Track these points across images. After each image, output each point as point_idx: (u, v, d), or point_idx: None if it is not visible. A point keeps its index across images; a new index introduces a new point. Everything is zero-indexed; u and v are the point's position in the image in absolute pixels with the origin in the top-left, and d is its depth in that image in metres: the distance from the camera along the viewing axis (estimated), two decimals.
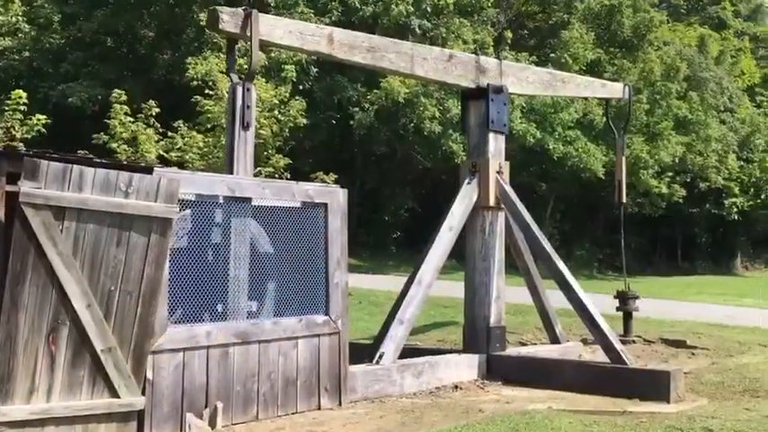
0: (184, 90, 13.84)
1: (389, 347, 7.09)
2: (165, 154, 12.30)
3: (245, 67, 12.24)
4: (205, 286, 5.46)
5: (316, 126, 19.28)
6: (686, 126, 29.85)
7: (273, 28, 6.03)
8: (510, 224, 8.46)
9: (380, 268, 23.19)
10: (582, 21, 25.65)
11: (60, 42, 21.52)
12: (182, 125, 12.80)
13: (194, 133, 12.29)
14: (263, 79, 13.89)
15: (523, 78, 9.01)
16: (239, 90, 5.82)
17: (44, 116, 11.67)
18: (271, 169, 13.24)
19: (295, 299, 6.12)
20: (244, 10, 5.78)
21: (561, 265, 7.76)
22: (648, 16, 26.28)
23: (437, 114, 19.00)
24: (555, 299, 16.41)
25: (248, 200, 5.81)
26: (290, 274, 6.12)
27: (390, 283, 16.42)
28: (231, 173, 5.87)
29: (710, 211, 38.67)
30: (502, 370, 7.92)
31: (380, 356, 7.03)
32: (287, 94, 13.64)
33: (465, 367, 7.80)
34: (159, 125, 12.50)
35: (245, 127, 5.81)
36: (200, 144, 12.17)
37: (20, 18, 21.20)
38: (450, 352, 8.30)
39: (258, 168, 13.10)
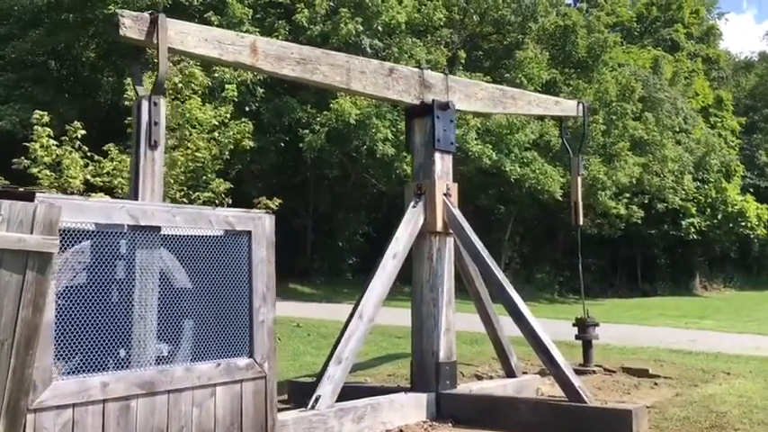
0: (128, 113, 13.09)
1: (326, 390, 6.45)
2: (92, 179, 11.51)
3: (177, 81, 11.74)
4: (104, 329, 4.75)
5: (264, 149, 18.65)
6: (642, 147, 30.03)
7: (186, 35, 5.42)
8: (460, 250, 7.93)
9: (334, 296, 22.51)
10: (536, 41, 25.63)
11: None
12: (112, 148, 12.04)
13: (124, 157, 11.53)
14: (201, 100, 13.22)
15: (472, 94, 8.55)
16: (145, 104, 5.18)
17: None
18: (210, 194, 12.53)
19: (213, 340, 5.44)
20: (150, 14, 5.17)
21: (513, 293, 7.24)
22: (603, 37, 26.40)
23: (390, 136, 18.54)
24: (510, 327, 16.01)
25: (156, 229, 5.14)
26: (208, 312, 5.44)
27: (343, 312, 15.78)
28: (136, 198, 5.20)
29: (669, 232, 39.00)
30: (452, 410, 7.34)
31: (316, 400, 6.39)
32: (227, 115, 12.99)
33: (412, 408, 7.19)
34: (87, 149, 11.71)
35: (153, 146, 5.17)
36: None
37: None
38: (398, 390, 7.69)
39: (196, 194, 12.41)
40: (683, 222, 37.82)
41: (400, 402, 7.09)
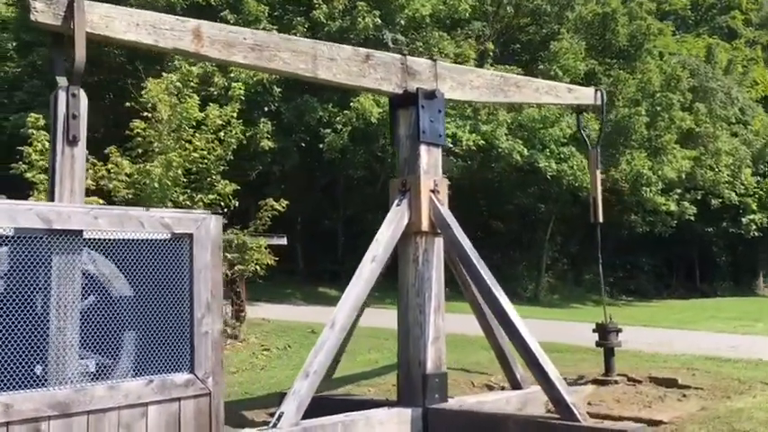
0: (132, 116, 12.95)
1: (290, 407, 5.96)
2: (93, 183, 11.31)
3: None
4: (14, 344, 4.37)
5: (286, 150, 18.33)
6: (694, 139, 28.68)
7: (112, 20, 5.01)
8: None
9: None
10: (574, 31, 24.64)
11: (17, 71, 20.79)
12: (113, 151, 11.83)
13: (119, 159, 11.30)
14: (216, 101, 12.99)
15: (465, 82, 7.95)
16: (62, 96, 4.78)
17: None
18: (215, 196, 12.21)
19: (147, 354, 5.01)
20: None
21: (502, 298, 6.62)
22: (645, 24, 25.22)
23: None
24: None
25: (77, 233, 4.74)
26: (141, 323, 5.01)
27: (371, 316, 15.33)
28: (53, 198, 4.80)
29: (728, 230, 37.21)
30: (440, 427, 6.77)
31: (278, 418, 5.90)
32: (233, 114, 12.65)
33: (393, 425, 6.64)
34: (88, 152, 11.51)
35: (72, 141, 4.77)
36: (128, 170, 11.17)
37: None
38: (384, 404, 7.13)
39: (199, 196, 12.11)
40: (744, 219, 36.00)
41: (379, 419, 6.55)
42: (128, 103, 12.57)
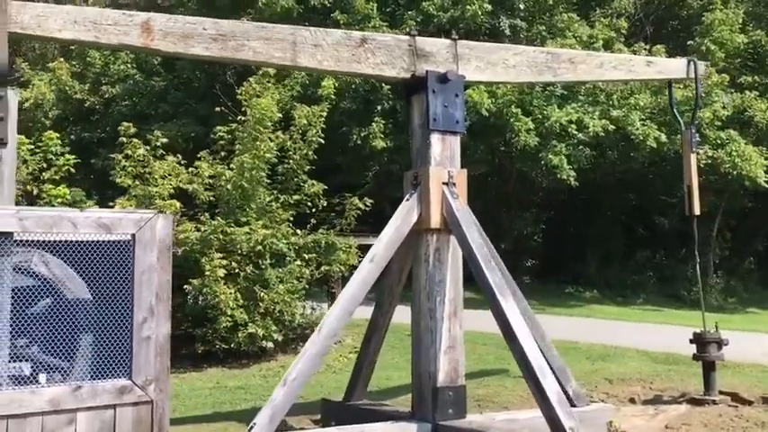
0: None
1: (263, 417, 5.67)
2: (184, 186, 11.77)
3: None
4: None
5: (402, 148, 18.03)
6: None
7: (45, 18, 5.01)
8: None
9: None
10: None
11: (162, 84, 22.35)
12: (205, 156, 12.24)
13: (200, 163, 11.65)
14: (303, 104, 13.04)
15: (497, 61, 7.20)
16: None
17: (73, 156, 11.64)
18: (300, 197, 12.22)
19: (81, 359, 4.94)
20: None
21: (508, 304, 5.85)
22: None
23: (531, 125, 16.92)
24: (598, 333, 13.90)
25: (8, 235, 4.78)
26: (77, 326, 4.96)
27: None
28: None
29: None
30: None
31: (250, 429, 5.62)
32: (323, 114, 12.60)
33: None
34: (180, 158, 12.01)
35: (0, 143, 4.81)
36: (207, 173, 11.48)
37: (128, 65, 22.35)
38: (396, 417, 6.62)
39: (284, 197, 12.16)
40: None
41: None
42: (217, 108, 12.97)
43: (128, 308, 5.08)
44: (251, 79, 12.28)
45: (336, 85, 16.19)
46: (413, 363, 6.70)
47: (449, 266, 6.59)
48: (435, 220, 6.51)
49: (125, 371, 5.03)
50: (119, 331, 5.04)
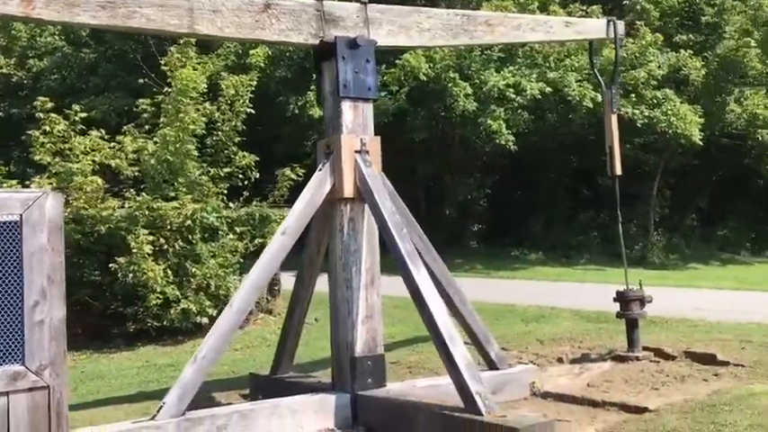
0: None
1: (172, 396, 5.56)
2: (108, 162, 11.42)
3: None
4: None
5: None
6: None
7: None
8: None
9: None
10: None
11: (92, 57, 21.64)
12: (131, 129, 11.89)
13: (122, 137, 11.32)
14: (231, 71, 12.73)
15: (410, 25, 7.07)
16: None
17: None
18: (231, 169, 11.99)
19: None
20: None
21: (419, 273, 5.82)
22: None
23: (469, 90, 16.83)
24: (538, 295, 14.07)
25: None
26: None
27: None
28: None
29: None
30: (367, 415, 6.13)
31: (159, 409, 5.50)
32: (252, 83, 12.31)
33: (311, 414, 6.08)
34: (104, 133, 11.63)
35: None
36: (130, 148, 11.17)
37: (56, 37, 21.55)
38: (318, 389, 6.56)
39: (214, 170, 11.94)
40: None
41: (291, 407, 6.00)
42: (141, 80, 12.60)
43: (18, 291, 4.88)
44: (172, 49, 11.91)
45: (270, 53, 15.84)
46: (331, 334, 6.66)
47: (364, 236, 6.51)
48: (348, 190, 6.41)
49: (17, 356, 4.84)
50: (9, 316, 4.84)
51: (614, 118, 8.89)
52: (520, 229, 24.25)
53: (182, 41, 12.01)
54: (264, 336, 11.71)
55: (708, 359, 8.34)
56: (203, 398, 7.41)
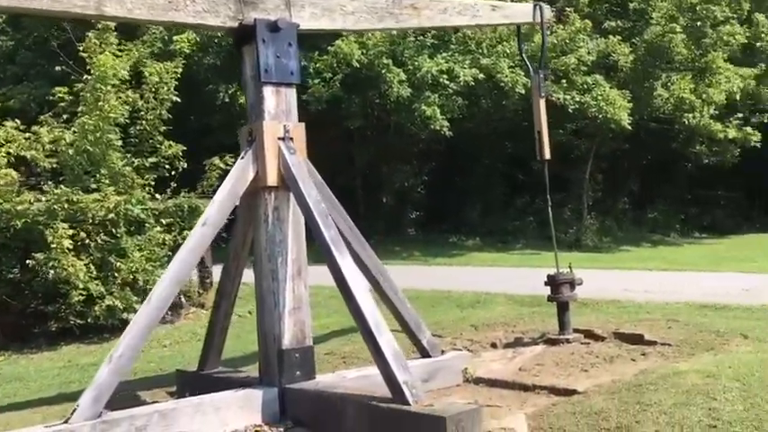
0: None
1: (86, 398, 5.30)
2: (23, 154, 10.91)
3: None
4: None
5: None
6: (755, 55, 26.16)
7: None
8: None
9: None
10: None
11: (10, 44, 20.72)
12: (48, 119, 11.37)
13: (38, 128, 10.83)
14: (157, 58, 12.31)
15: (334, 7, 6.90)
16: None
17: None
18: (157, 159, 11.62)
19: None
20: None
21: (345, 262, 5.70)
22: None
23: (403, 76, 16.77)
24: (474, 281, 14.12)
25: None
26: None
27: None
28: None
29: None
30: (296, 409, 5.99)
31: (73, 412, 5.24)
32: (177, 70, 11.93)
33: (236, 410, 5.89)
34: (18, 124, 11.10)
35: None
36: (46, 139, 10.70)
37: None
38: (246, 384, 6.38)
39: (139, 160, 11.54)
40: None
41: (215, 405, 5.80)
42: (58, 67, 12.08)
43: None
44: (90, 34, 11.43)
45: (198, 39, 15.41)
46: (258, 326, 6.47)
47: (290, 225, 6.34)
48: (272, 178, 6.22)
49: None
50: None
51: (542, 102, 8.91)
52: (457, 215, 24.41)
53: (99, 26, 11.53)
54: (195, 330, 11.41)
55: (636, 339, 8.46)
56: (127, 397, 7.15)
